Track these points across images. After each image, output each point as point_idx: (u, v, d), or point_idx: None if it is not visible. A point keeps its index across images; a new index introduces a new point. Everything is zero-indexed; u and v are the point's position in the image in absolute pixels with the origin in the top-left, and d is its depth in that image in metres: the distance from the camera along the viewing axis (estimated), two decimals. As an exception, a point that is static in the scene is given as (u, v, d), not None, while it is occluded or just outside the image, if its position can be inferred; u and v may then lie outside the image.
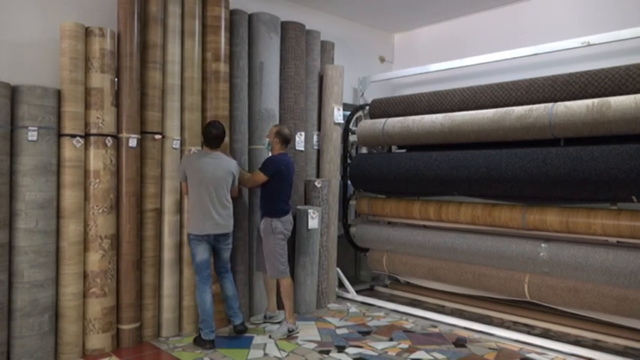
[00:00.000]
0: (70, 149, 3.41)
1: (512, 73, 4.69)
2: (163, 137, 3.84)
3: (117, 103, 3.63)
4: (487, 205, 4.22)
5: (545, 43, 4.30)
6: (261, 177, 3.94)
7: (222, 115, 4.06)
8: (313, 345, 3.74)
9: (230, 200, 3.77)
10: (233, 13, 4.25)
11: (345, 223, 5.30)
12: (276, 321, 4.19)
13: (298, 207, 4.56)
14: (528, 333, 3.92)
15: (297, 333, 3.95)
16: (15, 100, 3.25)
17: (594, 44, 3.99)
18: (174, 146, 3.87)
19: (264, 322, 4.21)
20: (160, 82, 3.81)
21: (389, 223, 5.18)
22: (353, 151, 5.47)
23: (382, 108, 5.11)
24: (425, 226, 4.80)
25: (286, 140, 4.06)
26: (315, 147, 4.91)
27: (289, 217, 4.06)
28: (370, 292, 5.26)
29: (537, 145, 3.92)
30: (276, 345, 3.72)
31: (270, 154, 4.10)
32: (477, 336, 3.96)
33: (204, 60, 4.06)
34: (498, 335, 3.91)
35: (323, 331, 4.06)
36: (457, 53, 5.14)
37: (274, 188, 3.97)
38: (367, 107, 5.30)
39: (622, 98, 3.47)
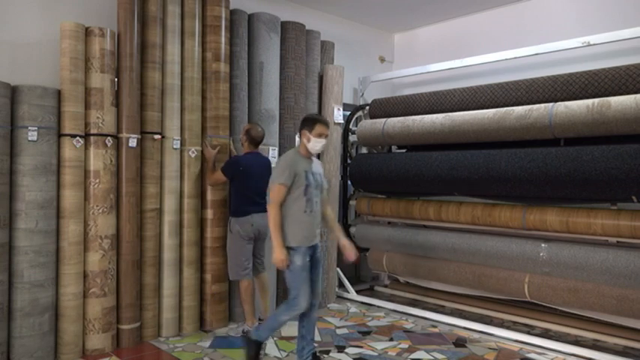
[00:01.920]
0: (70, 149, 3.41)
1: (513, 73, 4.69)
2: (163, 137, 3.84)
3: (117, 103, 3.63)
4: (487, 205, 4.22)
5: (545, 43, 4.30)
6: (221, 176, 3.87)
7: (222, 115, 4.06)
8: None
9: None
10: (233, 13, 4.25)
11: (345, 223, 5.30)
12: None
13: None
14: (528, 333, 3.92)
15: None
16: (15, 100, 3.25)
17: (594, 44, 3.99)
18: (174, 146, 3.87)
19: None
20: (160, 82, 3.81)
21: (389, 223, 5.18)
22: (353, 151, 5.47)
23: (382, 108, 5.10)
24: (425, 226, 4.80)
25: (254, 141, 3.90)
26: (315, 147, 4.90)
27: (250, 219, 3.79)
28: (370, 292, 5.26)
29: (537, 145, 3.92)
30: (276, 345, 3.72)
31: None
32: (476, 336, 3.96)
33: (204, 60, 4.06)
34: (498, 335, 3.91)
35: (323, 331, 4.05)
36: (457, 53, 5.14)
37: (237, 188, 3.87)
38: (367, 107, 5.30)
39: (622, 98, 3.47)
